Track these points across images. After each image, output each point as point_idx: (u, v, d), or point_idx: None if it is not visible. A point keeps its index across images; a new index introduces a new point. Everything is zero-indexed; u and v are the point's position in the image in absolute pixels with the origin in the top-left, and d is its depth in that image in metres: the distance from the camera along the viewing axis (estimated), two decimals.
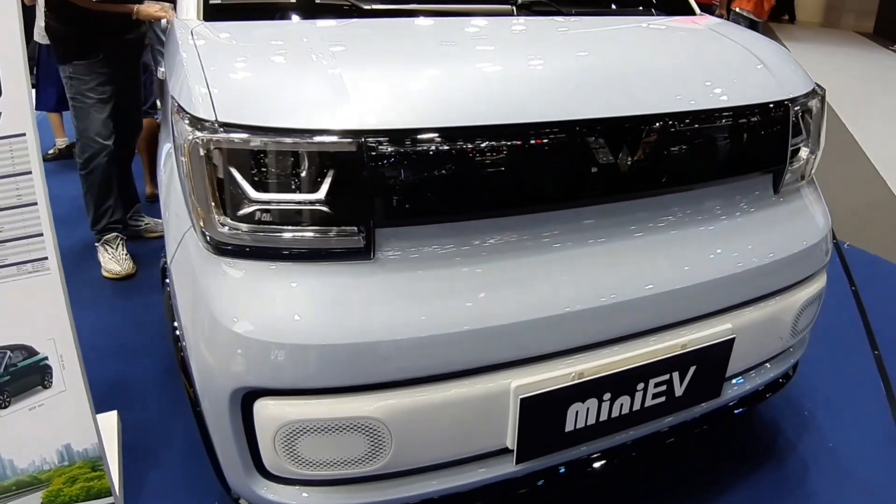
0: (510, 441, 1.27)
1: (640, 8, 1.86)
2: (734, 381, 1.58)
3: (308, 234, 1.13)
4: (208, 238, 1.16)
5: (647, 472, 1.81)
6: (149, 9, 2.46)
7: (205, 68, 1.21)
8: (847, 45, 12.10)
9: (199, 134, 1.12)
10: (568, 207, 1.27)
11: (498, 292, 1.20)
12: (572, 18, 1.70)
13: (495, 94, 1.22)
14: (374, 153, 1.10)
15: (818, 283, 1.64)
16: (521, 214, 1.24)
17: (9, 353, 1.61)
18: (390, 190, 1.13)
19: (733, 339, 1.43)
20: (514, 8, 1.62)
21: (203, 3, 1.53)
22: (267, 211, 1.12)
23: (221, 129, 1.11)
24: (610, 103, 1.27)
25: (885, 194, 4.25)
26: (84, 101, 2.58)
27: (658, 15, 1.85)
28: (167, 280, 1.49)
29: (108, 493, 1.73)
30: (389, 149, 1.11)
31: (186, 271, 1.22)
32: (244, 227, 1.13)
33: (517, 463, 1.30)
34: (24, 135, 1.54)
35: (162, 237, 3.13)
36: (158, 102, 3.56)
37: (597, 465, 1.43)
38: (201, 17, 1.52)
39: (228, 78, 1.20)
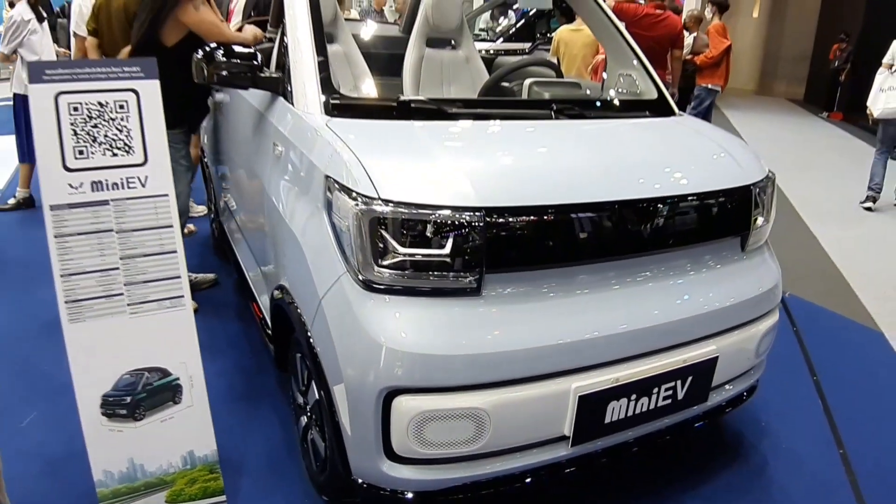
0: (567, 428, 1.75)
1: (645, 112, 2.48)
2: (716, 390, 2.11)
3: (437, 277, 1.61)
4: (363, 279, 1.62)
5: (639, 466, 2.30)
6: (254, 31, 2.85)
7: (360, 158, 1.69)
8: (782, 113, 13.27)
9: (363, 206, 1.60)
10: (608, 260, 1.80)
11: (566, 319, 1.71)
12: (595, 121, 2.28)
13: (565, 180, 1.76)
14: (487, 222, 1.60)
15: (773, 317, 2.20)
16: (583, 265, 1.76)
17: (146, 373, 1.96)
18: (497, 247, 1.63)
19: (717, 357, 1.96)
20: (553, 112, 2.18)
21: (325, 103, 2.03)
22: (408, 261, 1.60)
23: (382, 203, 1.59)
24: (639, 188, 1.83)
25: (816, 249, 5.01)
26: (175, 169, 2.88)
27: (652, 116, 2.46)
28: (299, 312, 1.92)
29: (221, 492, 2.09)
30: (498, 219, 1.62)
31: (342, 304, 1.67)
32: (392, 272, 1.60)
33: (572, 446, 1.77)
34: (167, 195, 1.94)
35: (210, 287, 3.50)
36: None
37: (629, 451, 1.92)
38: (324, 112, 2.01)
39: (382, 165, 1.69)
